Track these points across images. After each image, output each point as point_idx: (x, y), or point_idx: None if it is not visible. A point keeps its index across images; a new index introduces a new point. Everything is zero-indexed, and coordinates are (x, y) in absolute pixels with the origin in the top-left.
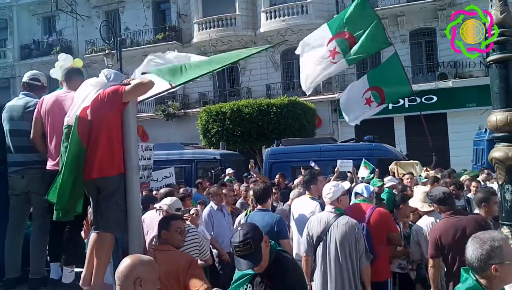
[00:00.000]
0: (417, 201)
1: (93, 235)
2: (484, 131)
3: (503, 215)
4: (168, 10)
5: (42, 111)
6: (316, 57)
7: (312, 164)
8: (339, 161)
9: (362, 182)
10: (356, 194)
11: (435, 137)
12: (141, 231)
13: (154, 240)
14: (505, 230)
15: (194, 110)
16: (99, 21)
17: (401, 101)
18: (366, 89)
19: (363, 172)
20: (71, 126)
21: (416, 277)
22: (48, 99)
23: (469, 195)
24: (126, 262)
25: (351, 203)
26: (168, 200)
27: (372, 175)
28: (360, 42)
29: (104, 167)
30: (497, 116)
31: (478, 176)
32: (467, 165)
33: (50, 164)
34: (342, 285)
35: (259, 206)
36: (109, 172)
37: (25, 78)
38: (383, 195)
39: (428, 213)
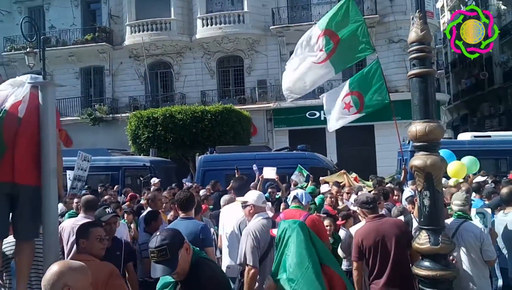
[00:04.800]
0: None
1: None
2: (407, 142)
3: (422, 220)
4: (98, 11)
5: None
6: (305, 62)
7: (255, 168)
8: (265, 168)
9: (293, 189)
10: (294, 199)
11: (364, 147)
12: (57, 241)
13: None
14: (423, 234)
15: (123, 114)
16: (21, 17)
17: None
18: (346, 93)
19: (299, 177)
20: None
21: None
22: None
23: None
24: (53, 269)
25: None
26: (254, 194)
27: (306, 184)
28: (344, 46)
29: (23, 173)
30: (416, 127)
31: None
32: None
33: None
34: None
35: (182, 214)
36: (27, 180)
37: None
38: (317, 200)
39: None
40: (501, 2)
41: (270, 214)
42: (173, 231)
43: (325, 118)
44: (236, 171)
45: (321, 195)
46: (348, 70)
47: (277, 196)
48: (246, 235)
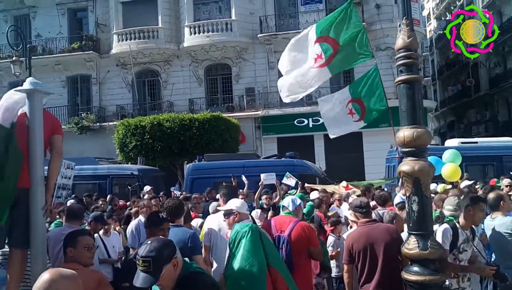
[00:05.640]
0: (348, 212)
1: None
2: (395, 149)
3: (411, 225)
4: (85, 19)
5: None
6: (301, 66)
7: (243, 178)
8: (262, 175)
9: (287, 194)
10: (283, 207)
11: (352, 154)
12: (45, 250)
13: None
14: (412, 239)
15: (111, 123)
16: (7, 26)
17: (321, 120)
18: (348, 100)
19: (289, 181)
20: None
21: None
22: None
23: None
24: (44, 276)
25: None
26: (238, 202)
27: (295, 191)
28: (344, 52)
29: (26, 178)
30: (404, 133)
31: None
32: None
33: None
34: None
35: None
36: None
37: None
38: (305, 209)
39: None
40: (486, 10)
41: (259, 222)
42: (164, 244)
43: (313, 125)
44: (232, 179)
45: (310, 203)
46: (335, 77)
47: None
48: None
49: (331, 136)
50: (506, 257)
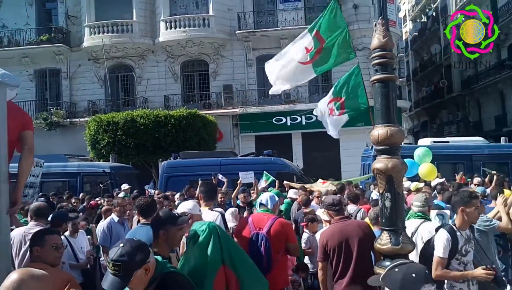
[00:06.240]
0: (320, 211)
1: None
2: (370, 148)
3: (384, 221)
4: (55, 10)
5: None
6: (292, 56)
7: (220, 176)
8: (241, 173)
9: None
10: (261, 204)
11: (329, 153)
12: (9, 250)
13: None
14: (384, 235)
15: (82, 119)
16: None
17: (299, 118)
18: (330, 100)
19: (262, 184)
20: None
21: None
22: None
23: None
24: (13, 276)
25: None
26: (190, 203)
27: (272, 189)
28: (327, 51)
29: None
30: (378, 131)
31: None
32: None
33: None
34: None
35: (143, 220)
36: None
37: None
38: (282, 207)
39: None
40: (459, 14)
41: (234, 221)
42: (137, 248)
43: (291, 123)
44: (212, 178)
45: (287, 200)
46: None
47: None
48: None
49: (335, 137)
50: (477, 253)
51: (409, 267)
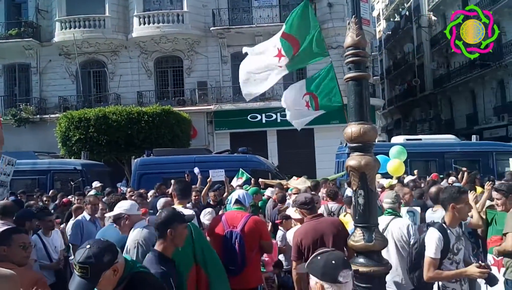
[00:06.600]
0: (291, 209)
1: None
2: (345, 145)
3: (357, 218)
4: (24, 4)
5: None
6: (263, 62)
7: (196, 171)
8: (211, 171)
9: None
10: (236, 201)
11: (304, 150)
12: None
13: None
14: (358, 232)
15: (52, 115)
16: None
17: (274, 116)
18: (304, 93)
19: (238, 182)
20: None
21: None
22: None
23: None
24: None
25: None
26: (126, 204)
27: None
28: (302, 51)
29: None
30: (352, 128)
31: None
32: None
33: None
34: None
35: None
36: None
37: None
38: (260, 203)
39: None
40: (432, 13)
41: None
42: (105, 248)
43: (266, 121)
44: (186, 176)
45: (264, 198)
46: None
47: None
48: (135, 247)
49: (298, 128)
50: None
51: (329, 255)
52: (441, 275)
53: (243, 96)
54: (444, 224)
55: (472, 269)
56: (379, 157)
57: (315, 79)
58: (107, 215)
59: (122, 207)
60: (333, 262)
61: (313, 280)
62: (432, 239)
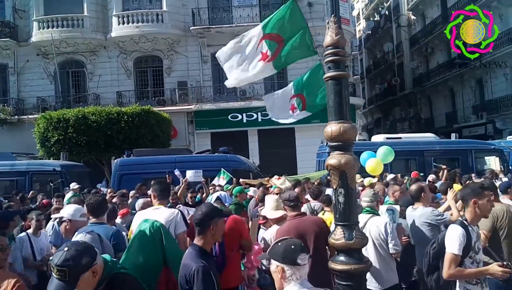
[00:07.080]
0: (268, 209)
1: None
2: (325, 144)
3: (337, 216)
4: (1, 4)
5: None
6: (245, 59)
7: (177, 172)
8: (188, 172)
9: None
10: (217, 199)
11: (285, 149)
12: None
13: None
14: (338, 230)
15: (30, 116)
16: None
17: (255, 115)
18: (291, 96)
19: (220, 181)
20: None
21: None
22: None
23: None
24: None
25: None
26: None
27: (229, 186)
28: (287, 48)
29: None
30: (332, 127)
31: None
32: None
33: None
34: None
35: (93, 219)
36: None
37: None
38: (245, 202)
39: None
40: (411, 12)
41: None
42: (83, 251)
43: (247, 120)
44: (167, 176)
45: (246, 199)
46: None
47: (197, 199)
48: None
49: (282, 122)
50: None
51: (288, 241)
52: (463, 272)
53: (227, 85)
54: (465, 221)
55: (494, 267)
56: (367, 153)
57: (302, 79)
58: (53, 216)
59: (66, 211)
60: (292, 247)
61: (274, 265)
62: (455, 235)
